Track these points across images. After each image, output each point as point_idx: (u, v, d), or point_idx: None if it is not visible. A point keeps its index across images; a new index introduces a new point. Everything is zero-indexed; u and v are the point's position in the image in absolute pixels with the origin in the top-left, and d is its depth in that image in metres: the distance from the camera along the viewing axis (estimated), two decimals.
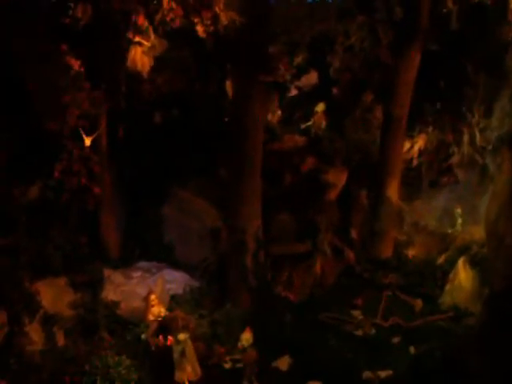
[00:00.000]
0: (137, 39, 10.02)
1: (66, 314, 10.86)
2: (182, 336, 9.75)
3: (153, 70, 10.25)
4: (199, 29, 10.08)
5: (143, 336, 10.79)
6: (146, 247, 12.99)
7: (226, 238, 12.00)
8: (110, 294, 11.42)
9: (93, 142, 11.91)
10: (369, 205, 14.88)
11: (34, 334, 10.18)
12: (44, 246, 11.09)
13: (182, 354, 9.76)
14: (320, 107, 15.68)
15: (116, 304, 11.17)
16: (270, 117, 15.41)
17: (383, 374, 10.86)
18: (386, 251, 14.83)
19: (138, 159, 12.97)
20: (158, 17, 9.23)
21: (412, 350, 11.55)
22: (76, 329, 10.67)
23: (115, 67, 10.14)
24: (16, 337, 9.82)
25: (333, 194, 13.86)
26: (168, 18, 9.30)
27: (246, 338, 10.41)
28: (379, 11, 13.91)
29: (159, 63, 10.52)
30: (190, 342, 9.79)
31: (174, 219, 13.11)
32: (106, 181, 12.28)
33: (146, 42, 10.03)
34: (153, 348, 10.24)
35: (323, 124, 15.68)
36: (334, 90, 17.72)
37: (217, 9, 9.79)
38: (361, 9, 14.24)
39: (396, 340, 11.93)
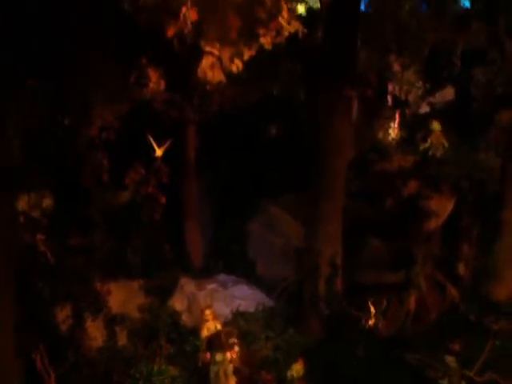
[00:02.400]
0: (207, 49, 10.16)
1: (133, 317, 11.38)
2: (219, 356, 9.60)
3: (232, 80, 10.30)
4: (264, 40, 9.95)
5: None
6: (230, 260, 13.11)
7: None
8: (177, 302, 11.70)
9: (180, 152, 12.47)
10: (483, 238, 13.45)
11: (96, 330, 10.83)
12: (122, 248, 11.77)
13: (218, 374, 9.66)
14: (436, 125, 14.48)
15: (179, 314, 11.42)
16: (381, 135, 14.72)
17: None
18: (501, 293, 13.13)
19: (228, 171, 13.16)
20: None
21: None
22: (139, 332, 11.12)
23: (188, 78, 10.38)
24: (77, 331, 10.54)
25: (434, 223, 12.68)
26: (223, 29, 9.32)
27: (297, 368, 9.91)
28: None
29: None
30: (227, 363, 9.65)
31: (259, 234, 13.01)
32: (192, 191, 12.65)
33: (216, 52, 10.12)
34: (199, 364, 10.32)
35: (441, 144, 14.52)
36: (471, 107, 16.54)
37: (281, 19, 9.60)
38: (480, 15, 12.87)
39: None
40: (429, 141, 14.66)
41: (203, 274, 12.62)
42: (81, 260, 10.92)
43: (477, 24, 13.52)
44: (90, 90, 8.59)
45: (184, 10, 8.81)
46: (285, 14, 9.47)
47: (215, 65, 10.07)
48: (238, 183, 13.30)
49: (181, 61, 10.59)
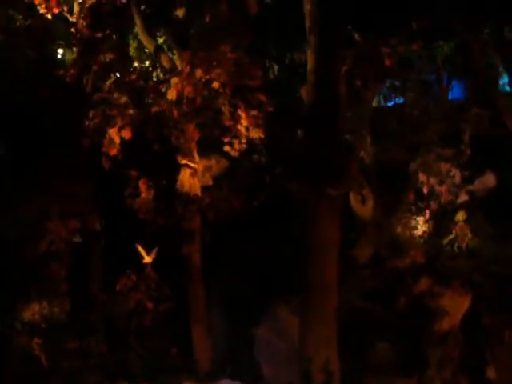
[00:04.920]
0: (184, 162, 10.81)
1: None
2: None
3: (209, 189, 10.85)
4: (227, 148, 10.39)
5: None
6: (239, 366, 13.07)
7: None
8: None
9: (185, 256, 12.96)
10: None
11: None
12: (124, 352, 12.18)
13: None
14: (460, 216, 13.87)
15: None
16: (400, 230, 14.32)
17: None
18: None
19: (238, 274, 13.38)
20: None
21: None
22: None
23: (170, 189, 11.03)
24: None
25: (447, 323, 11.93)
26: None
27: None
28: None
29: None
30: None
31: (264, 339, 12.93)
32: (199, 295, 12.96)
33: (192, 164, 10.73)
34: None
35: (465, 236, 13.84)
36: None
37: (239, 127, 10.01)
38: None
39: None
40: (453, 232, 14.26)
41: (209, 379, 12.70)
42: (77, 364, 11.52)
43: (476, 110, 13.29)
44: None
45: (111, 131, 9.67)
46: (244, 121, 10.02)
47: (192, 176, 10.74)
48: (249, 286, 13.51)
49: (165, 172, 11.41)
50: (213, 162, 10.87)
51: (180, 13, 12.40)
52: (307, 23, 11.33)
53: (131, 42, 15.02)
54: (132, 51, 15.08)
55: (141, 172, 11.42)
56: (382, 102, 15.42)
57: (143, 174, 11.44)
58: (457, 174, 16.66)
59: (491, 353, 12.52)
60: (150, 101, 10.58)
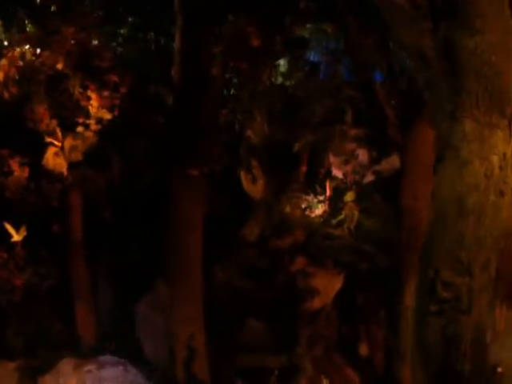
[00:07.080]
0: (49, 140, 11.02)
1: None
2: None
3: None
4: (80, 129, 10.62)
5: None
6: (123, 341, 13.40)
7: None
8: (47, 382, 12.10)
9: (67, 229, 13.20)
10: (390, 318, 12.78)
11: None
12: (1, 330, 12.49)
13: None
14: (349, 196, 14.14)
15: None
16: (288, 209, 14.57)
17: None
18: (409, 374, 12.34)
19: (122, 250, 13.64)
20: None
21: None
22: None
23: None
24: None
25: (317, 303, 12.28)
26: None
27: None
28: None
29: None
30: None
31: (144, 314, 13.27)
32: (80, 272, 13.21)
33: (56, 143, 10.95)
34: None
35: (354, 216, 14.13)
36: None
37: (90, 107, 10.23)
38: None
39: None
40: (343, 213, 14.55)
41: (91, 355, 13.02)
42: None
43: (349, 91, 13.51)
44: None
45: None
46: (94, 102, 10.22)
47: (57, 155, 10.94)
48: (134, 262, 13.79)
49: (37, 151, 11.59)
50: (78, 141, 11.09)
51: None
52: (175, 6, 11.49)
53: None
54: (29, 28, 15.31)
55: (13, 151, 11.66)
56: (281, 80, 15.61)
57: (16, 152, 11.68)
58: (364, 154, 17.13)
59: (365, 331, 12.98)
60: None
